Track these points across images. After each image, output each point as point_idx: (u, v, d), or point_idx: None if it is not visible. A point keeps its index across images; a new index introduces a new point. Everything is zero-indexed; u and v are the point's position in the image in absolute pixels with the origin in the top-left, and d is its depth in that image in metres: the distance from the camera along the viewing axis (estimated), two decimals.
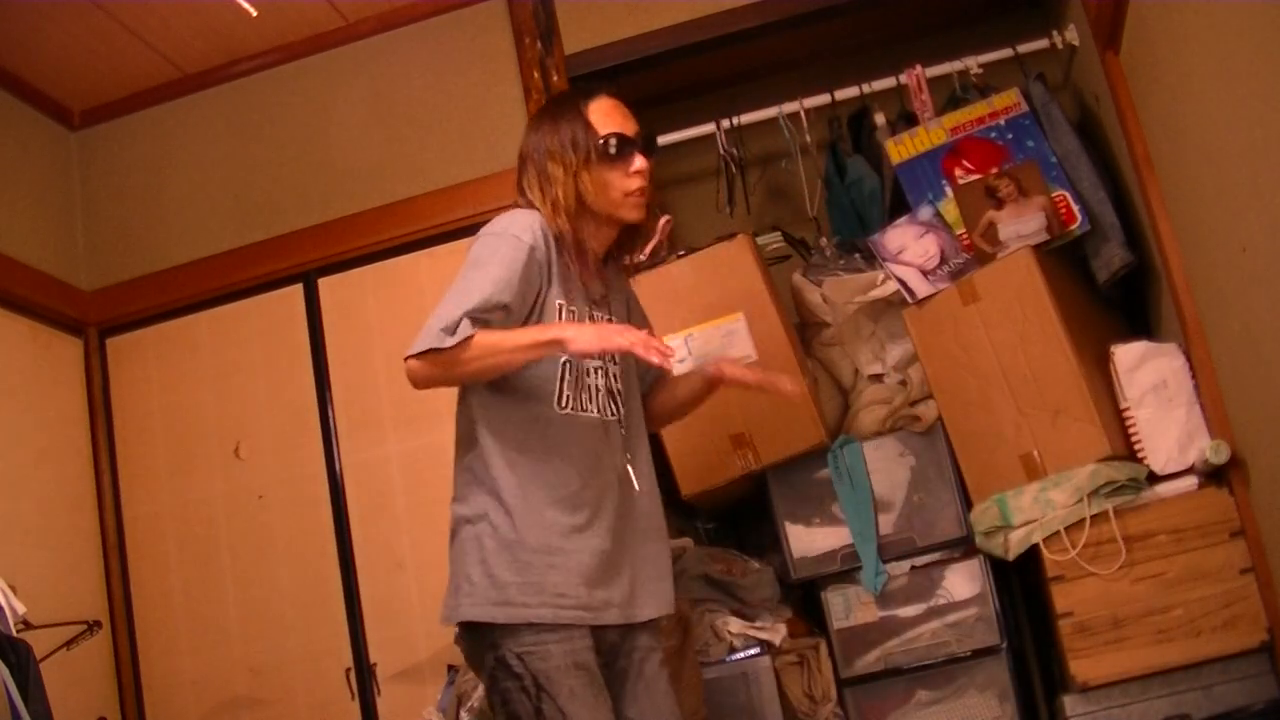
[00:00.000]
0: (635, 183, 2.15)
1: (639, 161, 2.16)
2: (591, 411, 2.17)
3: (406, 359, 2.06)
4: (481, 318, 2.03)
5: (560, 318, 2.13)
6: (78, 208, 3.78)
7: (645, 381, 2.38)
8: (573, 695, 2.01)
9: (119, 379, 3.66)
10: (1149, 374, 2.75)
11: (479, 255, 2.11)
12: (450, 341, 2.00)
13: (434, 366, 2.04)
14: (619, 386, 2.24)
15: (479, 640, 2.09)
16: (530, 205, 2.18)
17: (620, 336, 2.02)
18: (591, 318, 2.21)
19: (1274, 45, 1.82)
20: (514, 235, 2.10)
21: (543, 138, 2.19)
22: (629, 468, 2.21)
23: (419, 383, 2.08)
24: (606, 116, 2.18)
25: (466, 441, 2.18)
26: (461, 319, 2.01)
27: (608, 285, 2.30)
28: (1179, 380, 2.74)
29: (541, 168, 2.17)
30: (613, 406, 2.22)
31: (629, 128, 2.19)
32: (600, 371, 2.21)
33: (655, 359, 1.99)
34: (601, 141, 2.14)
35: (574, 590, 2.06)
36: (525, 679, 2.01)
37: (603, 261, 2.27)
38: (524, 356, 2.06)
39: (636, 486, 2.21)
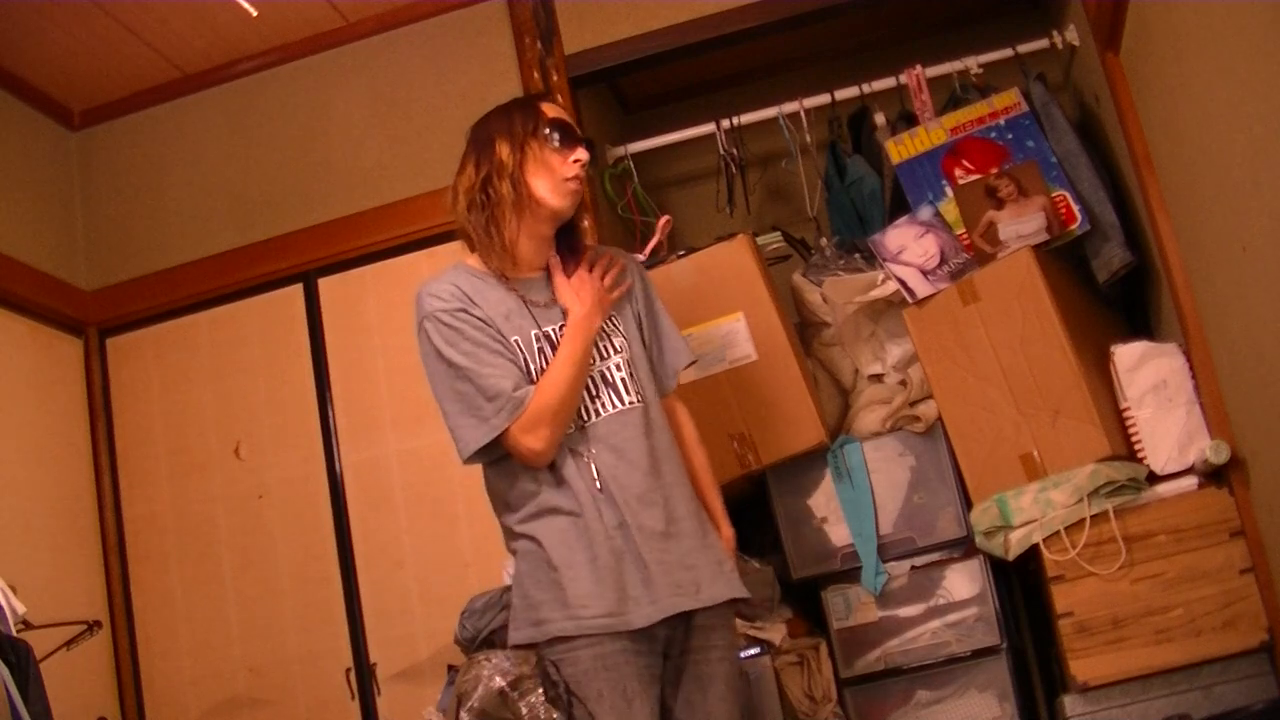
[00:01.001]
0: (573, 170, 2.20)
1: (580, 152, 2.21)
2: (606, 408, 2.17)
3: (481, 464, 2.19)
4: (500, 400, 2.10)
5: (517, 351, 2.16)
6: (78, 208, 3.78)
7: (661, 377, 2.33)
8: (600, 698, 2.02)
9: (119, 379, 3.67)
10: (1149, 374, 2.75)
11: (436, 365, 2.17)
12: (500, 420, 2.08)
13: (522, 438, 2.09)
14: (624, 375, 2.21)
15: (530, 654, 2.18)
16: (458, 197, 2.22)
17: (592, 297, 2.17)
18: (539, 330, 2.19)
19: (1274, 45, 1.82)
20: (436, 314, 2.16)
21: (492, 122, 2.25)
22: (651, 457, 2.16)
23: (541, 456, 2.11)
24: (557, 113, 2.25)
25: (493, 468, 2.20)
26: (487, 413, 2.10)
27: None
28: (1179, 380, 2.74)
29: (486, 143, 2.20)
30: (619, 398, 2.18)
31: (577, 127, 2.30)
32: (607, 363, 2.20)
33: (620, 280, 2.22)
34: (548, 129, 2.20)
35: (596, 599, 2.05)
36: (560, 686, 2.06)
37: (548, 269, 2.26)
38: (581, 370, 2.13)
39: (661, 476, 2.16)
